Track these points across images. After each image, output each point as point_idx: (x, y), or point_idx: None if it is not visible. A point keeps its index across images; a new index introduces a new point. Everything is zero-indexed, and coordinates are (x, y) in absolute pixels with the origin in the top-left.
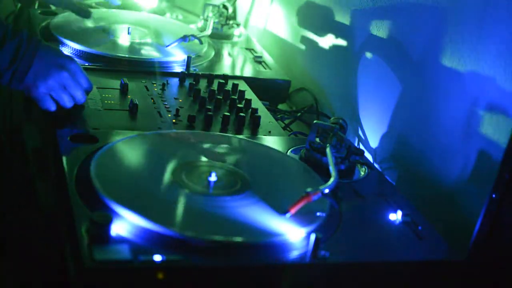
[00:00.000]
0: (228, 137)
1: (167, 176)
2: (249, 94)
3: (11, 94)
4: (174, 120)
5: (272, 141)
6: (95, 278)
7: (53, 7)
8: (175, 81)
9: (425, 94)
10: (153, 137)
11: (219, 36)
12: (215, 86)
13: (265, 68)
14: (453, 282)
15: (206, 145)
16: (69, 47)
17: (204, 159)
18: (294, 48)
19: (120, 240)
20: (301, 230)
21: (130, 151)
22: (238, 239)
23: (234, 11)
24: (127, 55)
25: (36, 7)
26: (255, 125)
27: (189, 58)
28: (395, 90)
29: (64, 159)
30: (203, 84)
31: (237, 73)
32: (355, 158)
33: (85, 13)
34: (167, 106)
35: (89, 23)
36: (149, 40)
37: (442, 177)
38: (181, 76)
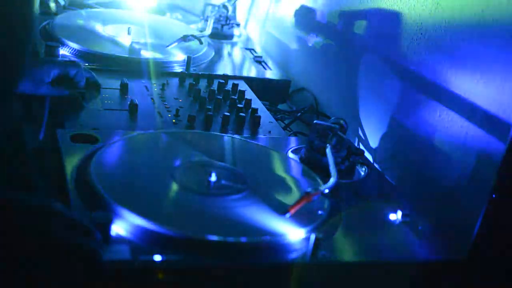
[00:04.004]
0: (228, 137)
1: (167, 176)
2: (249, 94)
3: (11, 94)
4: (174, 120)
5: (272, 141)
6: (95, 278)
7: (53, 8)
8: (175, 81)
9: (425, 94)
10: (153, 137)
11: (219, 36)
12: (215, 86)
13: (265, 68)
14: (453, 282)
15: (206, 145)
16: (69, 47)
17: (204, 159)
18: (294, 48)
19: (120, 240)
20: (301, 230)
21: (130, 151)
22: (238, 239)
23: (234, 11)
24: (127, 55)
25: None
26: (255, 125)
27: (189, 58)
28: (395, 90)
29: (64, 159)
30: (203, 84)
31: (237, 73)
32: (355, 158)
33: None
34: (167, 106)
35: (89, 23)
36: (149, 40)
37: (442, 177)
38: (181, 76)
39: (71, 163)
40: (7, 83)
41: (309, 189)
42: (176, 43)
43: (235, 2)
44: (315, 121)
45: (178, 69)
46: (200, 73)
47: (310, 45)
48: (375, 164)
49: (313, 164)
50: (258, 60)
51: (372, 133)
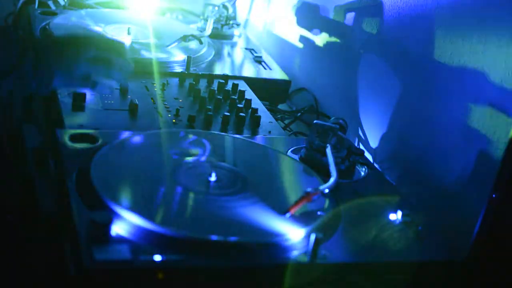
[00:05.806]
0: (228, 137)
1: (167, 176)
2: (249, 94)
3: (11, 93)
4: (174, 120)
5: (272, 141)
6: (95, 278)
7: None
8: (175, 81)
9: (425, 94)
10: (153, 137)
11: (219, 36)
12: (215, 86)
13: (265, 68)
14: (453, 282)
15: (206, 145)
16: None
17: (204, 159)
18: (294, 48)
19: (120, 240)
20: (301, 230)
21: (130, 151)
22: (238, 239)
23: (234, 11)
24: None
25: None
26: (255, 125)
27: (189, 58)
28: (395, 90)
29: (64, 159)
30: (203, 84)
31: (237, 73)
32: (355, 158)
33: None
34: (167, 106)
35: (89, 23)
36: (149, 40)
37: (442, 177)
38: (181, 76)
39: (71, 163)
40: None
41: (309, 189)
42: (176, 43)
43: (235, 2)
44: (315, 121)
45: (178, 69)
46: (200, 73)
47: (311, 45)
48: (375, 164)
49: (313, 164)
50: (258, 60)
51: (372, 133)
